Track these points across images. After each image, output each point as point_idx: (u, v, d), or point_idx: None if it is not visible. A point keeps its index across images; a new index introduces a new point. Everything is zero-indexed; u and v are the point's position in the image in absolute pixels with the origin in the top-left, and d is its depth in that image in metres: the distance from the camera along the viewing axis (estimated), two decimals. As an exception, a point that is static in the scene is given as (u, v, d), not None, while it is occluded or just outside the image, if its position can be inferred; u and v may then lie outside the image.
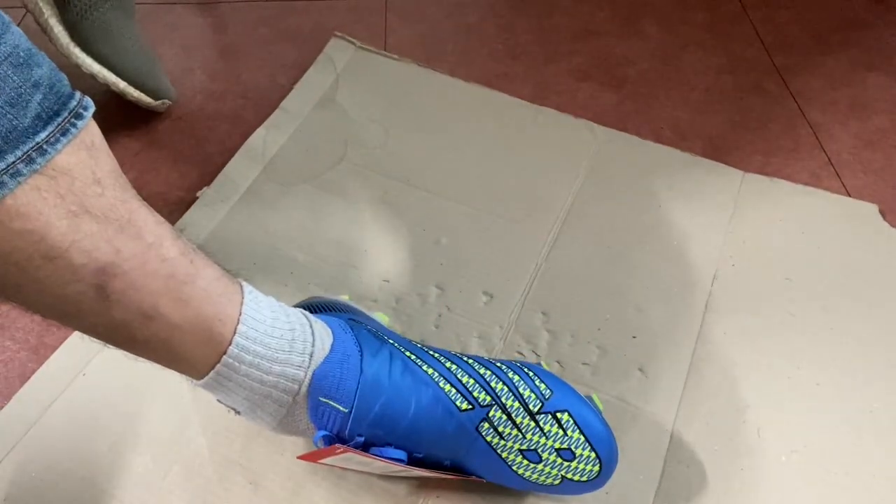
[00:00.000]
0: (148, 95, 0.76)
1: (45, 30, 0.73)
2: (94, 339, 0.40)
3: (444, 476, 0.48)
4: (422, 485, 0.53)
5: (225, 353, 0.41)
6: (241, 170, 0.74)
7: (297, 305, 0.51)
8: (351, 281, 0.65)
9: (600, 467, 0.47)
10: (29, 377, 0.58)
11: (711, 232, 0.69)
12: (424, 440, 0.46)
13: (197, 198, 0.71)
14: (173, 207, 0.71)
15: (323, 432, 0.45)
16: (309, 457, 0.48)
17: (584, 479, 0.47)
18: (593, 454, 0.46)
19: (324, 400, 0.44)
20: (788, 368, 0.60)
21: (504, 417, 0.46)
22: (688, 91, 0.84)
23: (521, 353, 0.61)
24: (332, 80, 0.83)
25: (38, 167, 0.34)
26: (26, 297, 0.37)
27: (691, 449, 0.55)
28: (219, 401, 0.45)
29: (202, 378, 0.42)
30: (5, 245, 0.34)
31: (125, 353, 0.41)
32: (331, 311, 0.52)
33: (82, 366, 0.58)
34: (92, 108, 0.37)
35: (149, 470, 0.53)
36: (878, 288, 0.65)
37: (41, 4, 0.72)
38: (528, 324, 0.62)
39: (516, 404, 0.46)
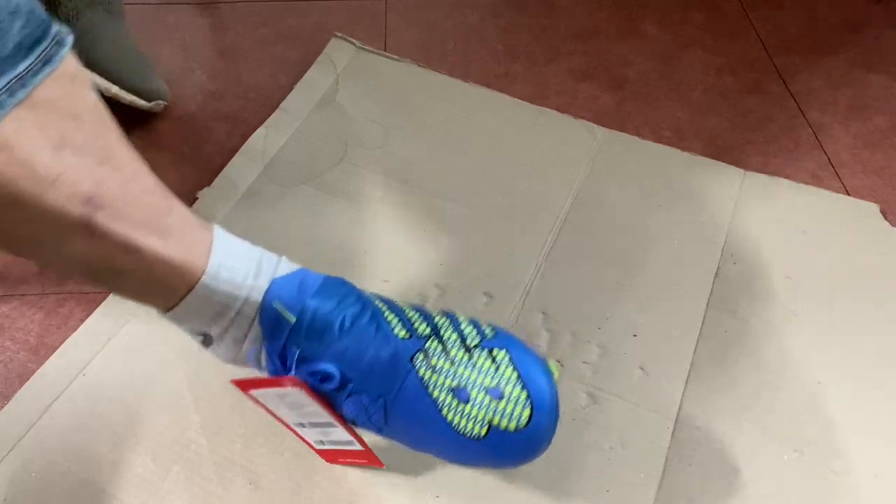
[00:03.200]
0: (141, 98, 0.76)
1: None
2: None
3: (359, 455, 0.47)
4: (421, 486, 0.53)
5: (204, 273, 0.42)
6: (241, 170, 0.73)
7: None
8: (351, 281, 0.65)
9: (531, 413, 0.42)
10: (29, 377, 0.58)
11: (712, 231, 0.69)
12: (358, 362, 0.45)
13: (197, 198, 0.71)
14: (173, 207, 0.71)
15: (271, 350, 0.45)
16: (245, 383, 0.47)
17: (513, 426, 0.42)
18: (524, 395, 0.42)
19: (276, 305, 0.45)
20: (789, 368, 0.60)
21: (439, 349, 0.45)
22: (688, 91, 0.84)
23: (521, 353, 0.60)
24: (332, 80, 0.83)
25: (21, 98, 0.32)
26: (14, 240, 0.37)
27: (692, 448, 0.55)
28: (192, 332, 0.45)
29: (179, 302, 0.43)
30: None
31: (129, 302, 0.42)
32: None
33: (82, 366, 0.58)
34: (71, 38, 0.35)
35: (149, 470, 0.53)
36: (879, 287, 0.65)
37: None
38: (528, 324, 0.62)
39: (454, 336, 0.45)
